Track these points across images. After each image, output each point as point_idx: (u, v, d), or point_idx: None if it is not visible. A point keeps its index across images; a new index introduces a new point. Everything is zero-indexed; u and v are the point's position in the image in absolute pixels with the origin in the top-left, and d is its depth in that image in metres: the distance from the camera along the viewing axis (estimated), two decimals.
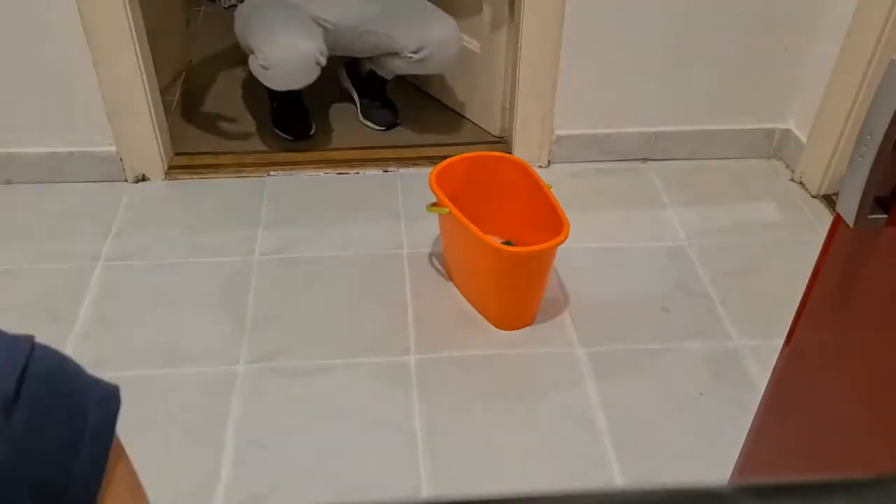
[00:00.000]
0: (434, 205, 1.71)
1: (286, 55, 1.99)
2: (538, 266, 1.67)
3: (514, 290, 1.69)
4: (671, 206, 2.08)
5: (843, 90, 1.96)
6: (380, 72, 2.29)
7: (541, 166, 2.20)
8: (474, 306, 1.77)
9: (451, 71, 2.36)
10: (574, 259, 1.89)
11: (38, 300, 1.75)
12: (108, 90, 1.98)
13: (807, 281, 0.90)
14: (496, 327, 1.73)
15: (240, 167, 2.18)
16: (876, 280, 0.79)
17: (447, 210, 1.66)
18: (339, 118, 2.42)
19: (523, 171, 1.80)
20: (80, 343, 1.65)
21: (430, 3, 2.16)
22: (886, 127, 0.69)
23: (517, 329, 1.72)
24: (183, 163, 2.19)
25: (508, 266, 1.66)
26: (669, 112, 2.19)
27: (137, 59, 1.95)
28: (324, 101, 2.49)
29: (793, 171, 2.21)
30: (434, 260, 1.90)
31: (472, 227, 1.60)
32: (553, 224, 1.63)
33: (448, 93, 2.44)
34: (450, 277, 1.84)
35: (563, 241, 1.59)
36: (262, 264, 1.86)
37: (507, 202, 1.85)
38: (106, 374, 1.54)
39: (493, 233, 1.89)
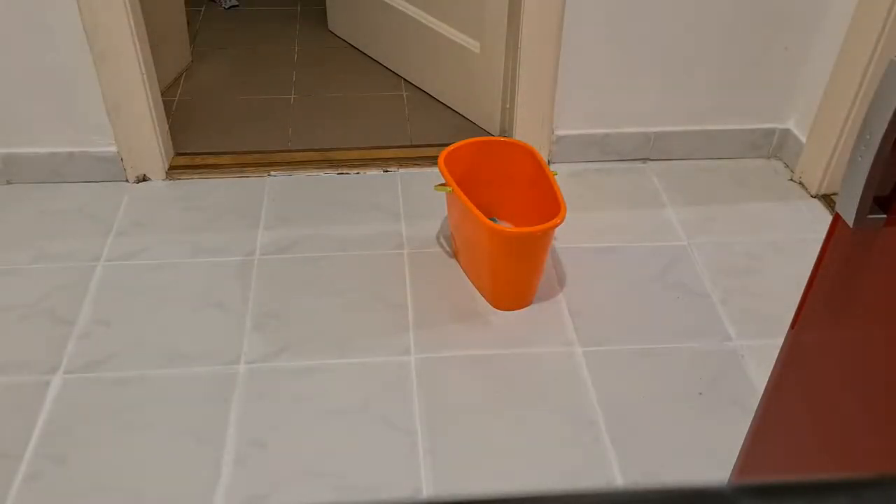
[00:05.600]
0: (442, 185, 1.75)
1: None
2: (532, 248, 1.70)
3: (508, 270, 1.72)
4: (671, 206, 2.09)
5: (843, 90, 1.96)
6: None
7: None
8: (474, 284, 1.81)
9: (451, 70, 2.37)
10: (574, 259, 1.90)
11: (39, 300, 1.75)
12: (108, 90, 1.98)
13: (806, 281, 0.90)
14: (493, 307, 1.76)
15: (240, 167, 2.18)
16: (875, 280, 0.79)
17: (450, 189, 1.71)
18: (338, 117, 2.42)
19: (530, 156, 1.84)
20: (81, 343, 1.65)
21: None
22: (886, 127, 0.69)
23: (513, 310, 1.75)
24: (183, 163, 2.19)
25: (502, 246, 1.69)
26: (669, 112, 2.19)
27: (138, 59, 1.95)
28: (322, 100, 2.49)
29: (792, 171, 2.21)
30: (434, 259, 1.90)
31: (470, 206, 1.65)
32: (555, 210, 1.67)
33: (448, 93, 2.45)
34: (455, 256, 1.89)
35: (556, 225, 1.63)
36: (262, 264, 1.86)
37: (513, 187, 1.90)
38: (106, 374, 1.55)
39: (498, 216, 1.93)
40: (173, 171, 2.16)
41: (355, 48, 2.77)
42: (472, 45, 2.25)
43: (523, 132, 2.17)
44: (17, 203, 2.05)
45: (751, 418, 1.08)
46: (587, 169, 2.23)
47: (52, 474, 1.40)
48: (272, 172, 2.17)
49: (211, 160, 2.21)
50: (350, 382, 1.59)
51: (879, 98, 0.69)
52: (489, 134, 2.33)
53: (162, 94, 2.17)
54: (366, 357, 1.64)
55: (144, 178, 2.13)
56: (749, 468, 1.08)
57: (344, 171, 2.19)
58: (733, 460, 1.15)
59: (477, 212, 1.63)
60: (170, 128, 2.21)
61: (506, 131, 2.28)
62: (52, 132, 2.04)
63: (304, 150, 2.26)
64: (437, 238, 1.95)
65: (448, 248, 1.92)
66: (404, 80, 2.59)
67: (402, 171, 2.20)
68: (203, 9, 3.07)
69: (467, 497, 0.36)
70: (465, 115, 2.41)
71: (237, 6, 3.09)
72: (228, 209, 2.04)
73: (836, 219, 0.81)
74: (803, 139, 2.16)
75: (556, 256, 1.91)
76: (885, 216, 0.75)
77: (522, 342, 1.68)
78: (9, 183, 2.10)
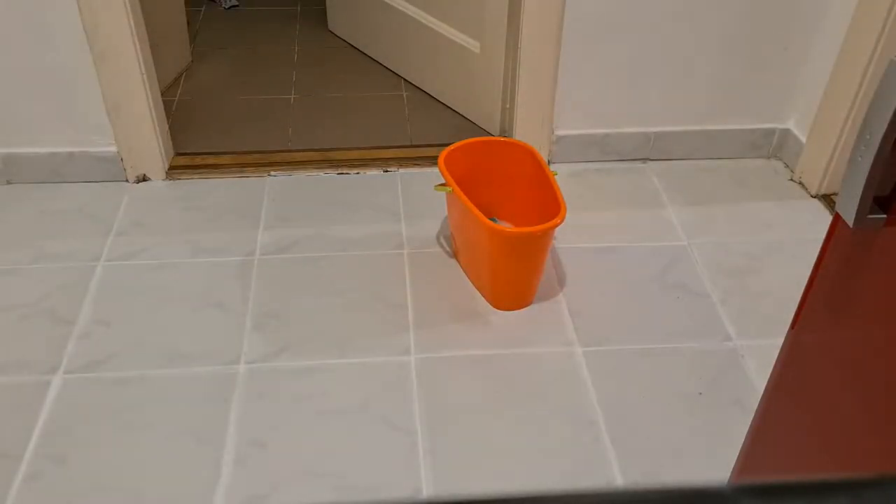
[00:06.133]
0: (442, 185, 1.75)
1: None
2: (532, 248, 1.70)
3: (508, 270, 1.72)
4: (671, 206, 2.09)
5: (843, 90, 1.96)
6: None
7: None
8: (474, 284, 1.81)
9: (451, 70, 2.37)
10: (574, 259, 1.90)
11: (39, 300, 1.75)
12: (108, 90, 1.98)
13: (806, 281, 0.90)
14: (493, 307, 1.76)
15: (240, 167, 2.18)
16: (875, 280, 0.79)
17: (450, 189, 1.71)
18: (338, 117, 2.42)
19: (530, 156, 1.84)
20: (81, 343, 1.65)
21: None
22: (886, 127, 0.69)
23: (513, 310, 1.75)
24: (183, 163, 2.19)
25: (502, 246, 1.69)
26: (669, 112, 2.19)
27: (138, 59, 1.95)
28: (322, 100, 2.49)
29: (792, 171, 2.21)
30: (434, 259, 1.90)
31: (470, 206, 1.65)
32: (555, 210, 1.67)
33: (448, 93, 2.44)
34: (455, 256, 1.89)
35: (556, 225, 1.63)
36: (262, 264, 1.86)
37: (513, 187, 1.90)
38: (106, 374, 1.55)
39: (498, 216, 1.93)
40: (173, 171, 2.16)
41: (355, 48, 2.77)
42: (472, 44, 2.25)
43: (523, 132, 2.17)
44: (17, 203, 2.05)
45: (751, 418, 1.08)
46: (587, 169, 2.23)
47: (52, 474, 1.40)
48: (272, 172, 2.17)
49: (211, 160, 2.21)
50: (350, 382, 1.59)
51: (879, 98, 0.69)
52: (489, 134, 2.33)
53: (162, 94, 2.17)
54: (366, 357, 1.64)
55: (144, 178, 2.13)
56: (749, 468, 1.08)
57: (344, 171, 2.19)
58: (733, 460, 1.15)
59: (477, 212, 1.63)
60: (170, 128, 2.21)
61: (506, 131, 2.28)
62: (52, 132, 2.04)
63: (304, 150, 2.26)
64: (437, 238, 1.95)
65: (448, 248, 1.92)
66: (404, 80, 2.59)
67: (402, 171, 2.20)
68: (203, 9, 3.07)
69: (467, 497, 0.36)
70: (465, 115, 2.41)
71: (237, 6, 3.09)
72: (228, 209, 2.04)
73: (836, 219, 0.81)
74: (803, 139, 2.16)
75: (556, 256, 1.91)
76: (885, 216, 0.75)
77: (522, 342, 1.68)
78: (9, 183, 2.10)
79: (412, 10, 2.42)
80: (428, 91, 2.52)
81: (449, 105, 2.46)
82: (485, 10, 2.16)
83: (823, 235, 0.86)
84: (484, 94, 2.29)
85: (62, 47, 1.91)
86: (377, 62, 2.68)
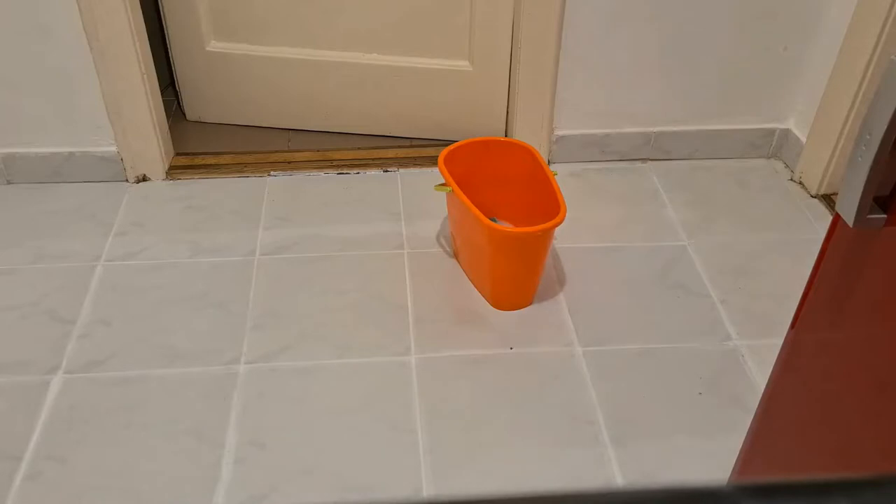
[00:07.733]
0: (442, 185, 1.75)
1: None
2: (532, 248, 1.70)
3: (508, 270, 1.72)
4: (671, 205, 2.09)
5: (843, 90, 1.96)
6: None
7: None
8: (474, 284, 1.82)
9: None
10: (574, 258, 1.90)
11: (39, 300, 1.75)
12: (108, 90, 1.98)
13: (806, 281, 0.90)
14: (493, 307, 1.76)
15: (240, 167, 2.18)
16: (875, 280, 0.79)
17: (450, 189, 1.71)
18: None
19: (530, 156, 1.84)
20: (81, 343, 1.65)
21: None
22: (886, 127, 0.69)
23: (513, 310, 1.75)
24: (183, 163, 2.19)
25: (502, 246, 1.69)
26: (669, 112, 2.19)
27: (138, 59, 1.96)
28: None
29: (792, 171, 2.21)
30: (434, 259, 1.90)
31: (470, 206, 1.65)
32: (555, 210, 1.67)
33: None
34: (455, 256, 1.89)
35: (556, 225, 1.63)
36: (262, 264, 1.87)
37: (513, 187, 1.90)
38: (106, 374, 1.55)
39: (498, 216, 1.93)
40: (173, 171, 2.16)
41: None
42: (463, 65, 2.23)
43: (523, 132, 2.17)
44: (17, 203, 2.05)
45: (751, 418, 1.08)
46: (587, 169, 2.23)
47: (52, 474, 1.40)
48: (272, 172, 2.17)
49: (211, 160, 2.21)
50: (350, 382, 1.59)
51: (879, 98, 0.69)
52: (489, 134, 2.32)
53: (162, 94, 2.17)
54: (366, 357, 1.64)
55: (144, 179, 2.13)
56: (749, 468, 1.08)
57: (344, 171, 2.19)
58: (733, 460, 1.15)
59: (477, 212, 1.63)
60: (169, 128, 2.21)
61: (506, 131, 2.28)
62: (52, 132, 2.04)
63: (303, 151, 2.26)
64: (437, 238, 1.95)
65: (448, 248, 1.92)
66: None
67: (402, 171, 2.20)
68: None
69: (467, 497, 0.36)
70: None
71: None
72: (228, 209, 2.04)
73: (836, 219, 0.81)
74: (803, 139, 2.16)
75: (556, 256, 1.91)
76: (885, 216, 0.75)
77: (522, 342, 1.68)
78: (9, 183, 2.10)
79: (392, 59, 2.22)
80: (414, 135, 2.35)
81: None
82: (473, 27, 2.15)
83: (823, 235, 0.86)
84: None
85: (62, 47, 1.91)
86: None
